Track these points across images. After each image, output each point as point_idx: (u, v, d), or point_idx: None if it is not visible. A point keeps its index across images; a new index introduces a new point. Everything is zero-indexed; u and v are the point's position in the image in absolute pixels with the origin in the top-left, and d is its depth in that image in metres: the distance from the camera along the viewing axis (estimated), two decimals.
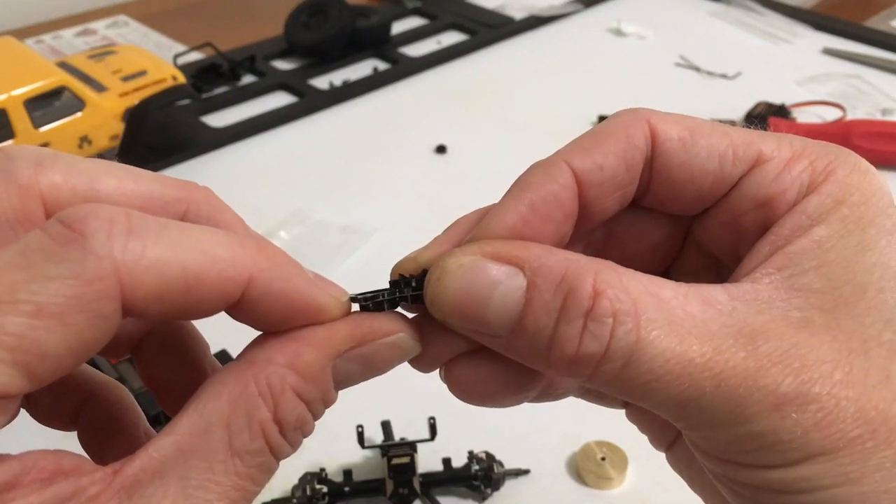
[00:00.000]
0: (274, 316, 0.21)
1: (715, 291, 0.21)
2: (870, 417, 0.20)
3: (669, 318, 0.21)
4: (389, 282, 0.24)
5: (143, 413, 0.26)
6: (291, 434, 0.21)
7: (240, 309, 0.21)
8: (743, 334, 0.21)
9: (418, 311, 0.24)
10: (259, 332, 0.22)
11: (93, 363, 0.53)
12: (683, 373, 0.20)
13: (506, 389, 0.24)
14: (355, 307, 0.23)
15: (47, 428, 0.26)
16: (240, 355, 0.22)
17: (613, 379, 0.21)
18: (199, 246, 0.20)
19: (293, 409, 0.21)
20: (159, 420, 0.51)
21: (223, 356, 0.52)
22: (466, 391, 0.24)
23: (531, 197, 0.23)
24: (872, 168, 0.23)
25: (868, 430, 0.20)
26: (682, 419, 0.22)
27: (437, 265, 0.22)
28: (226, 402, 0.20)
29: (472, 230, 0.24)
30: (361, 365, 0.22)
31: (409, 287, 0.23)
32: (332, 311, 0.22)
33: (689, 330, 0.20)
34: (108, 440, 0.25)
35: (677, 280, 0.27)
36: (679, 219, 0.26)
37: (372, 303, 0.23)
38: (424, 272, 0.23)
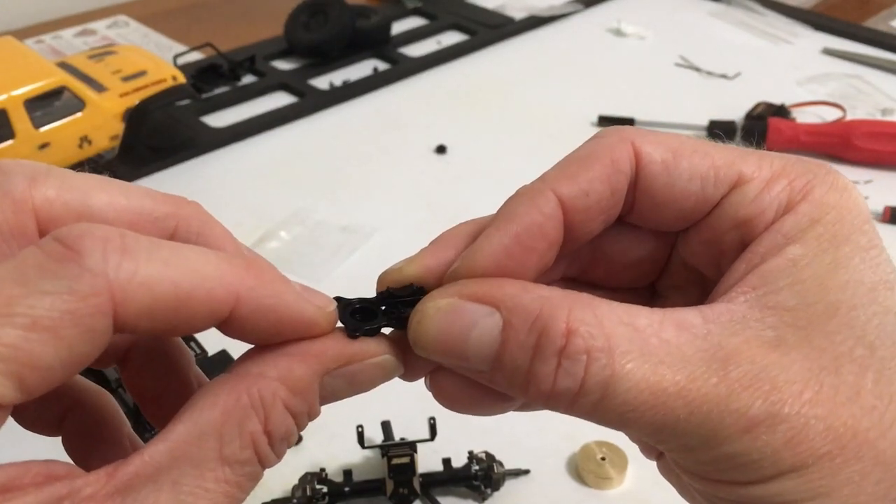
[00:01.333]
0: (264, 331, 0.22)
1: (690, 315, 0.22)
2: (839, 434, 0.21)
3: (643, 348, 0.21)
4: (377, 292, 0.25)
5: (126, 419, 0.26)
6: (279, 445, 0.22)
7: (230, 325, 0.21)
8: (716, 359, 0.21)
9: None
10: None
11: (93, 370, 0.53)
12: (657, 402, 0.21)
13: (488, 400, 0.25)
14: (340, 324, 0.24)
15: (29, 436, 0.26)
16: (232, 367, 0.23)
17: (591, 411, 0.22)
18: (190, 265, 0.20)
19: (282, 421, 0.22)
20: None
21: (223, 356, 0.52)
22: (451, 400, 0.25)
23: (515, 229, 0.24)
24: (851, 185, 0.24)
25: (837, 447, 0.21)
26: (660, 443, 0.23)
27: (417, 309, 0.24)
28: (219, 413, 0.21)
29: (460, 248, 0.25)
30: (347, 382, 0.23)
31: (393, 318, 0.24)
32: (321, 324, 0.23)
33: (662, 359, 0.21)
34: (92, 446, 0.26)
35: (664, 294, 0.28)
36: (664, 234, 0.26)
37: (362, 327, 0.24)
38: (410, 288, 0.24)
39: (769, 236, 0.23)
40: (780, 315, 0.22)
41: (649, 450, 0.28)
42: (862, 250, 0.23)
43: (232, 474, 0.21)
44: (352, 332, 0.24)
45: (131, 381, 0.26)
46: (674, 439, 0.22)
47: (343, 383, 0.23)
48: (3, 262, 0.19)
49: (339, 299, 0.24)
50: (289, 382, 0.22)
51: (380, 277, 0.25)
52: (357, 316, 0.24)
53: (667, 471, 0.27)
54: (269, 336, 0.22)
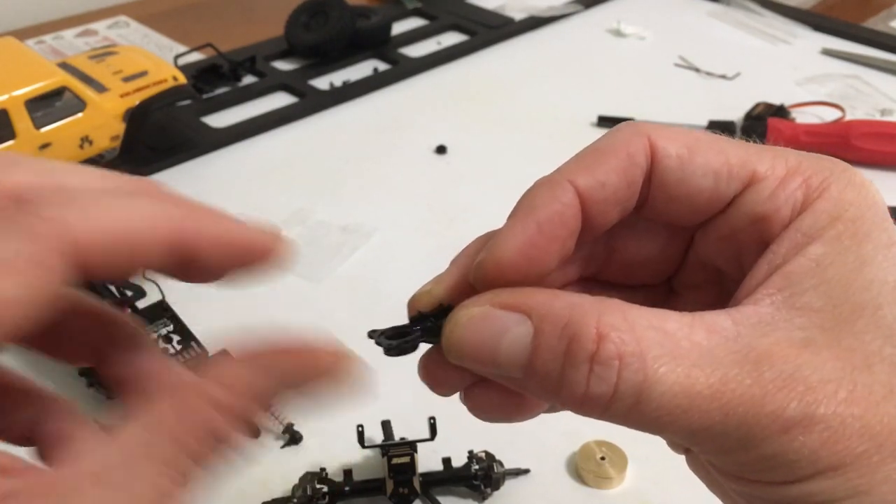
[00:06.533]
0: (218, 264, 0.22)
1: (719, 318, 0.22)
2: (875, 432, 0.21)
3: (675, 351, 0.21)
4: (409, 318, 0.25)
5: (94, 423, 0.26)
6: (223, 450, 0.22)
7: (187, 266, 0.22)
8: (749, 360, 0.21)
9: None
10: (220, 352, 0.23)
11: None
12: (692, 405, 0.21)
13: (521, 409, 0.25)
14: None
15: None
16: (187, 373, 0.23)
17: (625, 415, 0.22)
18: (141, 206, 0.21)
19: (228, 427, 0.22)
20: None
21: (223, 355, 0.52)
22: (485, 412, 0.25)
23: (537, 218, 0.24)
24: (868, 181, 0.23)
25: (874, 445, 0.21)
26: (695, 445, 0.23)
27: (450, 318, 0.24)
28: (171, 415, 0.21)
29: (480, 253, 0.25)
30: (303, 395, 0.23)
31: (427, 331, 0.25)
32: (273, 245, 0.23)
33: (694, 362, 0.21)
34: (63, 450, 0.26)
35: (680, 292, 0.28)
36: (679, 231, 0.26)
37: (396, 342, 0.24)
38: (440, 308, 0.25)
39: (789, 235, 0.23)
40: (809, 316, 0.22)
41: (676, 446, 0.28)
42: (884, 247, 0.22)
43: (176, 475, 0.21)
44: (388, 350, 0.24)
45: (108, 377, 0.26)
46: (709, 442, 0.22)
47: (298, 396, 0.24)
48: None
49: (373, 332, 0.25)
50: (240, 389, 0.22)
51: (410, 302, 0.26)
52: (390, 338, 0.25)
53: (696, 465, 0.27)
54: (226, 267, 0.23)
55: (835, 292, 0.22)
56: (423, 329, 0.25)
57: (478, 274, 0.24)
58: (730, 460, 0.23)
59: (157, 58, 0.83)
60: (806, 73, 0.98)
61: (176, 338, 0.52)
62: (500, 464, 0.49)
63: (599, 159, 0.24)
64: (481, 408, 0.25)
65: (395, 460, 0.47)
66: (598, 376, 0.21)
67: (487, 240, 0.25)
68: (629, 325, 0.22)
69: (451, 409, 0.54)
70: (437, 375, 0.26)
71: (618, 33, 1.07)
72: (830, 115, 0.88)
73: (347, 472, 0.49)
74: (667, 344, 0.21)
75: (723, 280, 0.26)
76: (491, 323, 0.23)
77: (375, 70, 0.97)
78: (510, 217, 0.24)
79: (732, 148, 0.24)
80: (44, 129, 0.70)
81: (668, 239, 0.27)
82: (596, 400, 0.22)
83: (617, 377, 0.21)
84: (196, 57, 0.96)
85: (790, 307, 0.22)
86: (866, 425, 0.21)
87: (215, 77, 0.92)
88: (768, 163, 0.24)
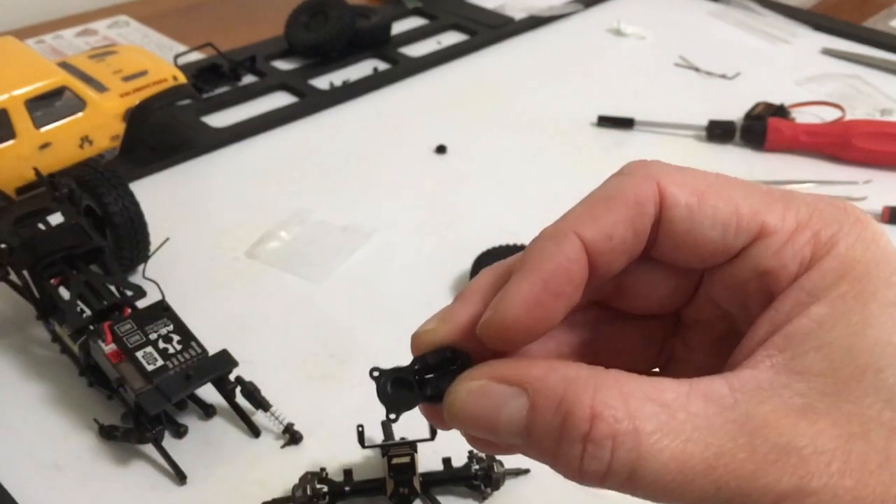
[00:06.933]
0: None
1: (716, 384, 0.22)
2: (867, 503, 0.21)
3: (670, 425, 0.21)
4: (413, 358, 0.26)
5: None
6: None
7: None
8: (744, 431, 0.21)
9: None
10: None
11: (95, 364, 0.53)
12: (686, 480, 0.21)
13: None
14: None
15: None
16: None
17: (620, 489, 0.22)
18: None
19: None
20: (160, 420, 0.51)
21: (224, 356, 0.52)
22: (485, 449, 0.26)
23: (543, 276, 0.24)
24: (880, 232, 0.23)
25: None
26: None
27: (450, 391, 0.24)
28: None
29: (487, 299, 0.25)
30: None
31: (428, 398, 0.25)
32: None
33: (689, 436, 0.21)
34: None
35: (689, 324, 0.28)
36: (688, 270, 0.26)
37: (395, 396, 0.25)
38: (443, 357, 0.25)
39: (793, 293, 0.23)
40: (808, 381, 0.22)
41: None
42: (889, 306, 0.22)
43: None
44: (388, 413, 0.25)
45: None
46: None
47: None
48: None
49: (375, 370, 0.25)
50: None
51: (413, 339, 0.26)
52: (392, 390, 0.25)
53: None
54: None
55: (836, 355, 0.22)
56: (423, 392, 0.25)
57: (483, 332, 0.24)
58: None
59: (157, 57, 0.83)
60: (806, 72, 0.98)
61: (176, 338, 0.52)
62: (500, 464, 0.49)
63: (606, 209, 0.24)
64: (481, 445, 0.26)
65: (395, 460, 0.47)
66: (592, 455, 0.22)
67: (493, 277, 0.26)
68: (624, 399, 0.22)
69: None
70: (438, 417, 0.26)
71: (618, 33, 1.07)
72: (830, 114, 0.88)
73: (347, 472, 0.49)
74: (662, 417, 0.21)
75: (731, 318, 0.26)
76: (489, 398, 0.23)
77: (375, 70, 0.97)
78: (516, 272, 0.24)
79: (743, 196, 0.24)
80: (44, 129, 0.70)
81: (676, 278, 0.27)
82: (590, 476, 0.22)
83: (610, 456, 0.21)
84: (196, 56, 0.96)
85: (790, 371, 0.22)
86: (857, 497, 0.21)
87: (215, 77, 0.92)
88: (779, 214, 0.24)
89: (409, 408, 0.25)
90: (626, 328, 0.28)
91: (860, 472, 0.21)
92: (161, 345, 0.51)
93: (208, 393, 0.53)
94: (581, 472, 0.22)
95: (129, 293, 0.56)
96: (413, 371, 0.25)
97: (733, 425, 0.21)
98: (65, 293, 0.55)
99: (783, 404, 0.22)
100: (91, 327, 0.53)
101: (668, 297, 0.27)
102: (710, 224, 0.24)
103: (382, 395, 0.25)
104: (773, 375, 0.22)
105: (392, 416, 0.25)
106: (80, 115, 0.72)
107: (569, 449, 0.22)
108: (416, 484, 0.48)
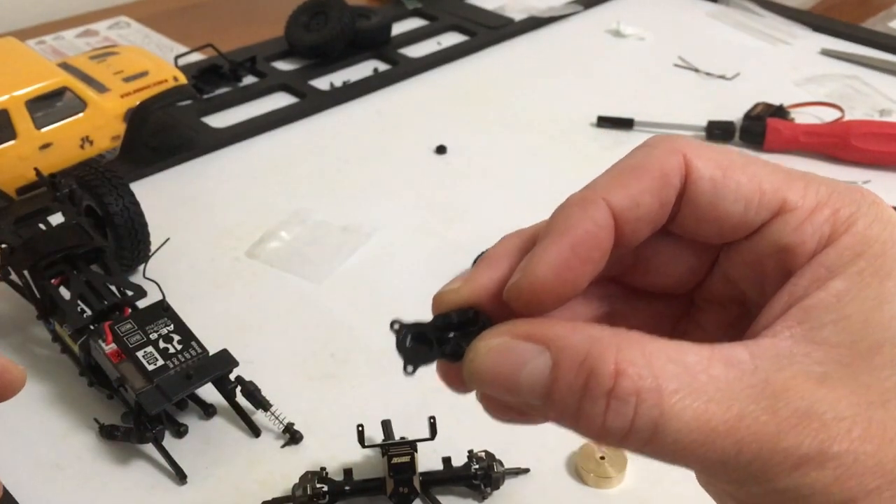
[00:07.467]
0: None
1: (737, 351, 0.22)
2: (887, 469, 0.21)
3: (693, 386, 0.21)
4: (434, 316, 0.25)
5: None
6: None
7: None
8: (765, 395, 0.21)
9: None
10: None
11: (95, 363, 0.53)
12: (707, 440, 0.21)
13: (535, 415, 0.25)
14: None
15: None
16: None
17: (641, 448, 0.22)
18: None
19: None
20: (160, 420, 0.51)
21: (224, 355, 0.52)
22: (501, 415, 0.25)
23: (571, 240, 0.24)
24: (895, 215, 0.24)
25: (886, 482, 0.21)
26: (709, 475, 0.23)
27: (470, 348, 0.24)
28: None
29: (513, 264, 0.25)
30: None
31: (448, 355, 0.25)
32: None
33: (711, 396, 0.21)
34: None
35: (701, 305, 0.28)
36: (706, 246, 0.27)
37: (414, 348, 0.25)
38: (466, 316, 0.25)
39: (812, 269, 0.23)
40: (827, 351, 0.22)
41: None
42: None
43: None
44: (406, 365, 0.24)
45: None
46: (723, 473, 0.22)
47: None
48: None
49: (396, 322, 0.25)
50: None
51: (435, 298, 0.26)
52: (411, 344, 0.25)
53: (706, 483, 0.27)
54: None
55: (854, 328, 0.22)
56: (443, 349, 0.25)
57: (511, 294, 0.24)
58: (743, 491, 0.23)
59: (157, 58, 0.83)
60: (805, 73, 0.98)
61: (176, 337, 0.52)
62: (500, 463, 0.49)
63: (635, 177, 0.24)
64: (497, 410, 0.25)
65: (395, 460, 0.47)
66: (616, 411, 0.22)
67: (518, 242, 0.25)
68: (647, 359, 0.22)
69: (452, 408, 0.55)
70: (455, 378, 0.26)
71: (617, 33, 1.07)
72: (829, 115, 0.88)
73: (347, 472, 0.49)
74: (684, 378, 0.21)
75: (745, 300, 0.26)
76: (510, 354, 0.23)
77: (375, 70, 0.97)
78: (544, 236, 0.24)
79: (766, 173, 0.24)
80: (44, 129, 0.70)
81: (694, 253, 0.27)
82: (613, 433, 0.22)
83: (634, 412, 0.21)
84: (196, 57, 0.96)
85: (809, 341, 0.22)
86: (879, 462, 0.21)
87: (216, 77, 0.92)
88: (800, 192, 0.24)
89: (427, 362, 0.25)
90: (640, 306, 0.28)
91: (881, 438, 0.21)
92: (161, 344, 0.51)
93: (208, 393, 0.53)
94: (604, 430, 0.22)
95: (130, 293, 0.56)
96: (434, 327, 0.25)
97: (754, 389, 0.21)
98: (65, 293, 0.55)
99: (803, 371, 0.22)
100: (91, 327, 0.53)
101: (685, 274, 0.27)
102: (732, 198, 0.24)
103: (401, 348, 0.24)
104: (792, 344, 0.22)
105: (409, 369, 0.24)
106: (80, 115, 0.72)
107: (592, 406, 0.22)
108: (416, 483, 0.48)
